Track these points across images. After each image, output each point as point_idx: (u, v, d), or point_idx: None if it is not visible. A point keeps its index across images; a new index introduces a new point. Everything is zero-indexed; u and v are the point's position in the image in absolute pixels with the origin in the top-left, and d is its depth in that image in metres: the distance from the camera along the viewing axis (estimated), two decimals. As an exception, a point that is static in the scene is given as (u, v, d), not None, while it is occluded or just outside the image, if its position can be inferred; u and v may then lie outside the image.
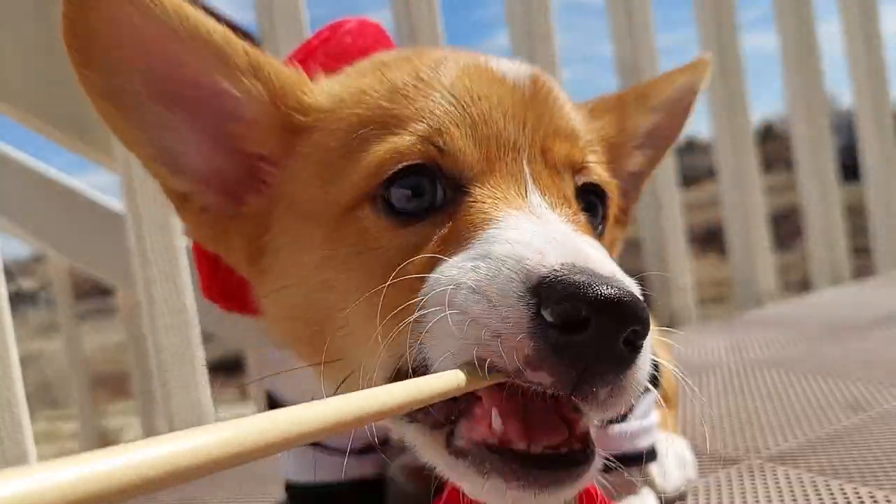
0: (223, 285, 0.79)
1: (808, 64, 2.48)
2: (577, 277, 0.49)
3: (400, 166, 0.60)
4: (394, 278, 0.56)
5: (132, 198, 1.37)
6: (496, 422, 0.53)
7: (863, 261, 2.75)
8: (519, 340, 0.49)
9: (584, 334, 0.48)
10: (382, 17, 0.84)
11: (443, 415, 0.56)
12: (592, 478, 0.56)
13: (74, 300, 2.44)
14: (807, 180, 2.52)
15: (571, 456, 0.54)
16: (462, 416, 0.56)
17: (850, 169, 2.76)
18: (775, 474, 0.90)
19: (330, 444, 0.82)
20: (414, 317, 0.54)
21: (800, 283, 3.06)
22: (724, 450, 1.01)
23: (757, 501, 0.83)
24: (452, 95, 0.63)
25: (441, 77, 0.65)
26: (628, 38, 2.11)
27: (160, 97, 0.66)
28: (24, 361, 1.18)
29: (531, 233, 0.55)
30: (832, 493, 0.83)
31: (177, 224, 1.41)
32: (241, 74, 0.66)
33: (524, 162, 0.63)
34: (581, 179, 0.68)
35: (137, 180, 1.37)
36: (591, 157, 0.69)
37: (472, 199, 0.60)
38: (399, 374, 0.58)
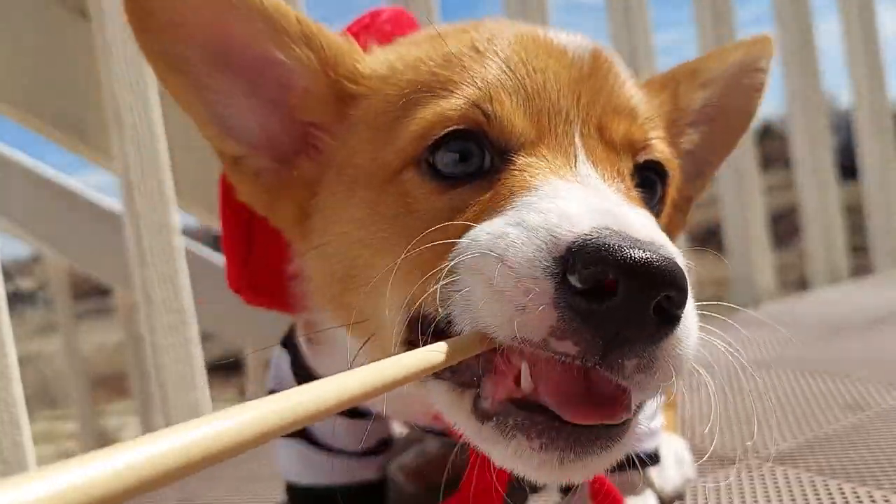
0: (253, 277, 0.78)
1: (806, 63, 2.48)
2: (607, 240, 0.47)
3: (445, 131, 0.60)
4: (423, 240, 0.56)
5: (130, 198, 1.37)
6: (525, 379, 0.52)
7: (861, 260, 2.75)
8: (542, 311, 0.48)
9: (613, 300, 0.46)
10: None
11: (469, 374, 0.55)
12: (627, 448, 0.53)
13: (73, 300, 2.44)
14: (805, 179, 2.52)
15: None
16: (486, 373, 0.54)
17: (848, 168, 2.76)
18: (774, 474, 0.90)
19: (334, 446, 0.82)
20: (442, 282, 0.53)
21: (798, 282, 3.06)
22: (723, 450, 1.01)
23: (756, 501, 0.83)
24: (507, 65, 0.62)
25: (497, 48, 0.64)
26: (626, 38, 2.11)
27: (215, 63, 0.67)
28: (23, 361, 1.18)
29: (568, 200, 0.53)
30: (830, 493, 0.83)
31: (175, 224, 1.41)
32: (292, 43, 0.66)
33: (576, 135, 0.61)
34: (642, 157, 0.66)
35: (136, 180, 1.37)
36: (652, 134, 0.67)
37: (515, 168, 0.59)
38: (414, 333, 0.57)
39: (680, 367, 0.51)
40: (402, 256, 0.57)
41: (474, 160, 0.60)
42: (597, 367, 0.49)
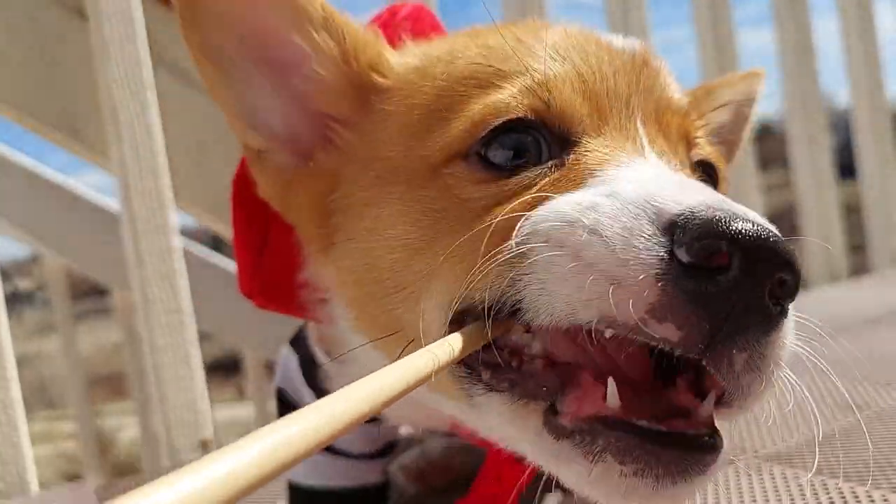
0: (265, 281, 0.76)
1: (804, 62, 2.48)
2: (718, 213, 0.43)
3: (500, 121, 0.55)
4: (492, 223, 0.51)
5: (128, 198, 1.37)
6: (612, 395, 0.47)
7: (859, 259, 2.76)
8: (642, 282, 0.42)
9: (725, 278, 0.42)
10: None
11: (533, 384, 0.50)
12: (719, 470, 0.49)
13: (71, 300, 2.44)
14: (803, 179, 2.52)
15: (698, 440, 0.47)
16: (566, 387, 0.49)
17: (846, 167, 2.76)
18: (773, 474, 0.90)
19: (341, 449, 0.82)
20: (508, 261, 0.48)
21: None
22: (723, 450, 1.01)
23: (754, 501, 0.83)
24: (557, 52, 0.59)
25: (543, 38, 0.61)
26: (625, 37, 2.11)
27: (250, 56, 0.67)
28: (21, 362, 1.18)
29: (659, 175, 0.49)
30: (829, 493, 0.83)
31: (173, 224, 1.41)
32: (312, 29, 0.65)
33: (638, 121, 0.57)
34: (695, 155, 0.63)
35: (133, 181, 1.37)
36: (701, 133, 0.65)
37: (583, 150, 0.54)
38: (461, 322, 0.52)
39: (780, 365, 0.48)
40: (449, 245, 0.53)
41: (531, 154, 0.55)
42: (701, 360, 0.44)
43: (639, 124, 0.57)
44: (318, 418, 0.31)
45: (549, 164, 0.55)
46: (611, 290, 0.43)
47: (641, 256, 0.43)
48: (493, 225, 0.51)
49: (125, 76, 1.37)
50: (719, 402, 0.50)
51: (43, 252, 2.18)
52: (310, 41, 0.65)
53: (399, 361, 0.40)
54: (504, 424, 0.52)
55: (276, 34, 0.66)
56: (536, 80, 0.57)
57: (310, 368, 0.80)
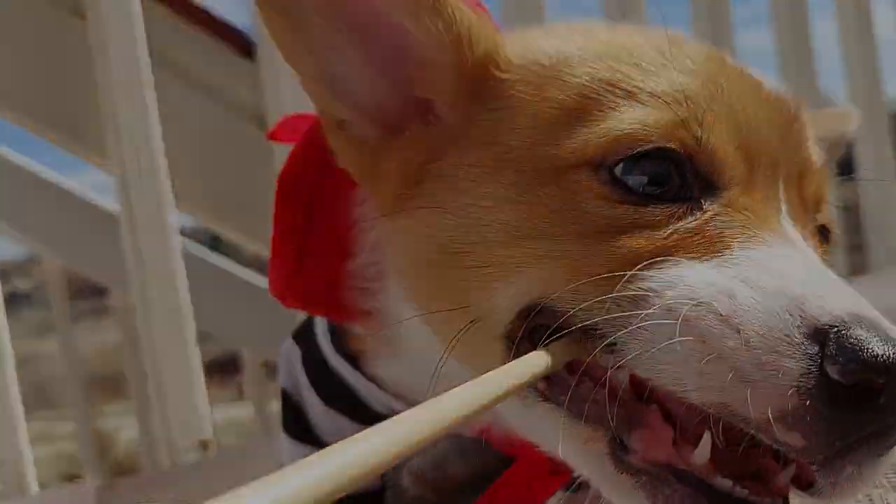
0: (306, 285, 0.71)
1: (802, 63, 2.48)
2: (871, 336, 0.43)
3: (648, 147, 0.52)
4: (600, 242, 0.51)
5: (127, 198, 1.37)
6: (703, 451, 0.47)
7: (857, 258, 2.76)
8: (781, 391, 0.42)
9: (872, 404, 0.42)
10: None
11: (594, 410, 0.49)
12: None
13: (69, 300, 2.43)
14: (802, 179, 2.53)
15: None
16: (632, 423, 0.49)
17: (845, 167, 2.76)
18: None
19: None
20: (620, 294, 0.47)
21: (795, 282, 3.06)
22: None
23: (753, 500, 0.83)
24: (711, 82, 0.55)
25: (686, 58, 0.57)
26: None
27: (337, 21, 0.61)
28: (20, 362, 1.18)
29: (802, 268, 0.48)
30: (828, 492, 0.83)
31: (173, 224, 1.41)
32: (421, 11, 0.59)
33: (781, 183, 0.55)
34: (820, 219, 0.61)
35: (132, 181, 1.37)
36: (829, 197, 0.62)
37: (724, 203, 0.52)
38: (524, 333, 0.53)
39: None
40: (557, 246, 0.52)
41: (670, 186, 0.52)
42: (811, 464, 0.45)
43: (781, 187, 0.55)
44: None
45: (685, 205, 0.52)
46: (743, 391, 0.43)
47: (786, 365, 0.43)
48: (617, 255, 0.50)
49: (125, 76, 1.37)
50: (797, 479, 0.49)
51: (41, 252, 2.18)
52: (416, 24, 0.60)
53: (496, 370, 0.41)
54: (560, 438, 0.52)
55: (376, 8, 0.60)
56: (692, 112, 0.53)
57: (315, 365, 0.79)
